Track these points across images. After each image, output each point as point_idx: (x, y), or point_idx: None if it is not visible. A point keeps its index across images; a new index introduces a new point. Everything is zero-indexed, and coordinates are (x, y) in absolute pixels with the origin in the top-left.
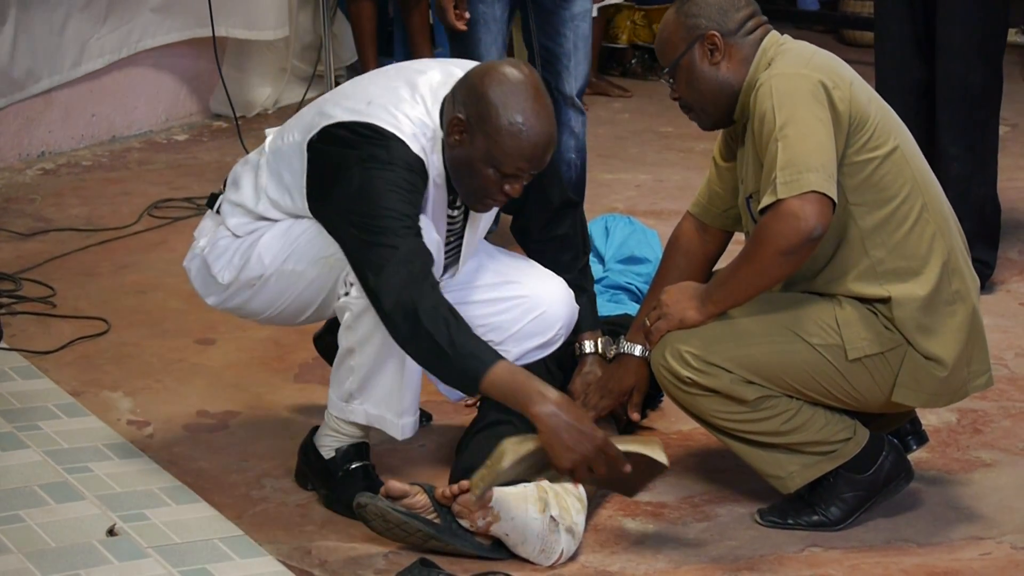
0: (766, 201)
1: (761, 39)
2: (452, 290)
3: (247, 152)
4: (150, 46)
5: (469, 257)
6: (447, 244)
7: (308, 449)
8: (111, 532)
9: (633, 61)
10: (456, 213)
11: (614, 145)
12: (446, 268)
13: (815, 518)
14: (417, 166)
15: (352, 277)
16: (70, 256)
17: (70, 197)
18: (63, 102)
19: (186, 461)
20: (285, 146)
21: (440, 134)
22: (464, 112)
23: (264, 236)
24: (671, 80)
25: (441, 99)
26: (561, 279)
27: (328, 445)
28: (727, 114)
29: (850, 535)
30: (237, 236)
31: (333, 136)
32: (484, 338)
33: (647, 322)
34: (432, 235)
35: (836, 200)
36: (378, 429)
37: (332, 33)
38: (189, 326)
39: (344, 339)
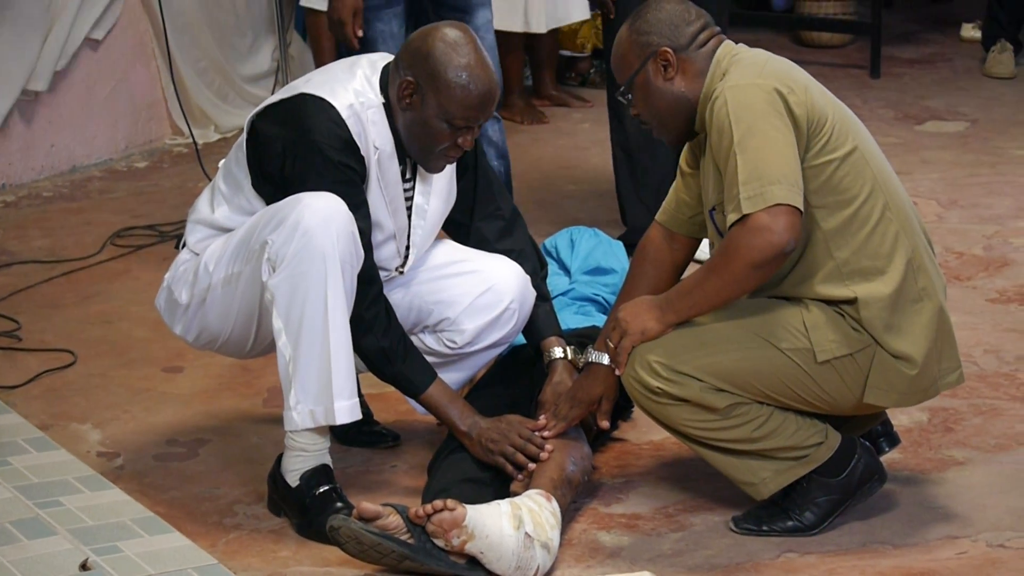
0: (732, 217)
1: (714, 50)
2: (407, 270)
3: (208, 177)
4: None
5: (423, 237)
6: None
7: (276, 478)
8: (84, 567)
9: (592, 71)
10: (408, 186)
11: (575, 156)
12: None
13: (790, 524)
14: (345, 142)
15: (274, 255)
16: (34, 288)
17: (32, 229)
18: (21, 133)
19: (157, 491)
20: (234, 148)
21: (380, 101)
22: (412, 74)
23: (210, 246)
24: (628, 97)
25: (380, 69)
26: (512, 261)
27: (294, 469)
28: (687, 128)
29: (825, 539)
30: (196, 254)
31: (270, 112)
32: (437, 314)
33: (610, 343)
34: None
35: (803, 209)
36: (326, 426)
37: (290, 55)
38: (156, 355)
39: (274, 322)
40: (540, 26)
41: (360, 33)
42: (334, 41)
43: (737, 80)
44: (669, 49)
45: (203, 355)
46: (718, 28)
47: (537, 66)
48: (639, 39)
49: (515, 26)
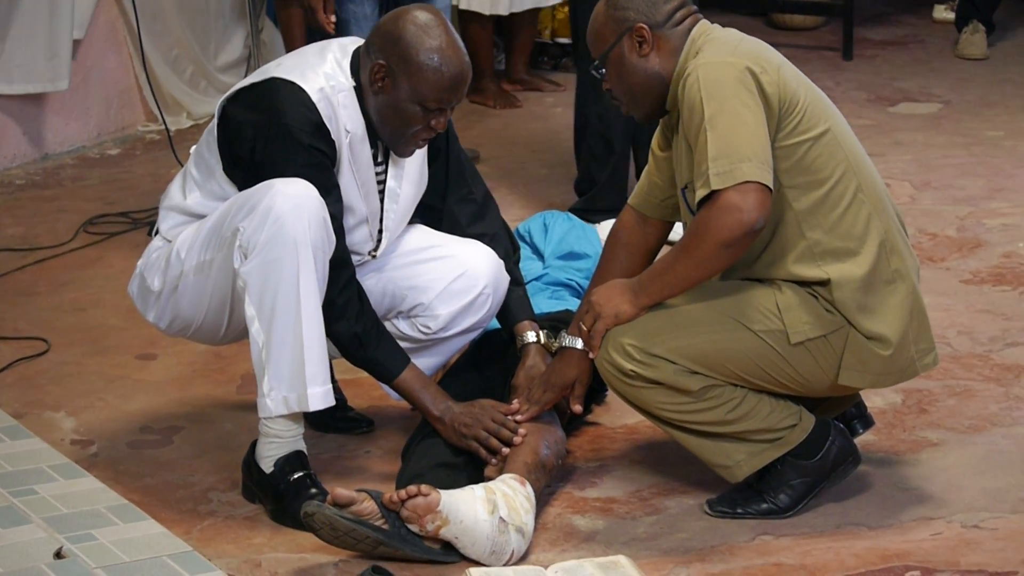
0: (701, 193)
1: (690, 29)
2: (380, 254)
3: (180, 164)
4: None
5: (396, 221)
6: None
7: (250, 464)
8: (58, 555)
9: (563, 57)
10: (380, 169)
11: (548, 140)
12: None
13: (764, 506)
14: (316, 125)
15: (246, 242)
16: (7, 276)
17: (4, 217)
18: None
19: (132, 479)
20: (205, 133)
21: (351, 85)
22: (383, 57)
23: (182, 233)
24: (602, 72)
25: (351, 53)
26: (486, 246)
27: (268, 456)
28: (658, 105)
29: (800, 521)
30: (168, 241)
31: (241, 96)
32: (411, 299)
33: (583, 327)
34: (360, 209)
35: (772, 187)
36: (300, 412)
37: (261, 40)
38: (129, 342)
39: (246, 309)
40: (503, 8)
41: (333, 19)
42: (305, 28)
43: (709, 58)
44: (645, 25)
45: (176, 342)
46: (695, 7)
47: (510, 51)
48: (616, 14)
49: (482, 7)
